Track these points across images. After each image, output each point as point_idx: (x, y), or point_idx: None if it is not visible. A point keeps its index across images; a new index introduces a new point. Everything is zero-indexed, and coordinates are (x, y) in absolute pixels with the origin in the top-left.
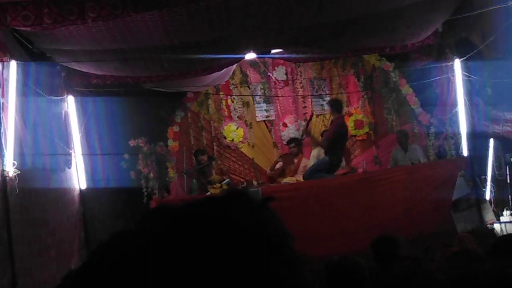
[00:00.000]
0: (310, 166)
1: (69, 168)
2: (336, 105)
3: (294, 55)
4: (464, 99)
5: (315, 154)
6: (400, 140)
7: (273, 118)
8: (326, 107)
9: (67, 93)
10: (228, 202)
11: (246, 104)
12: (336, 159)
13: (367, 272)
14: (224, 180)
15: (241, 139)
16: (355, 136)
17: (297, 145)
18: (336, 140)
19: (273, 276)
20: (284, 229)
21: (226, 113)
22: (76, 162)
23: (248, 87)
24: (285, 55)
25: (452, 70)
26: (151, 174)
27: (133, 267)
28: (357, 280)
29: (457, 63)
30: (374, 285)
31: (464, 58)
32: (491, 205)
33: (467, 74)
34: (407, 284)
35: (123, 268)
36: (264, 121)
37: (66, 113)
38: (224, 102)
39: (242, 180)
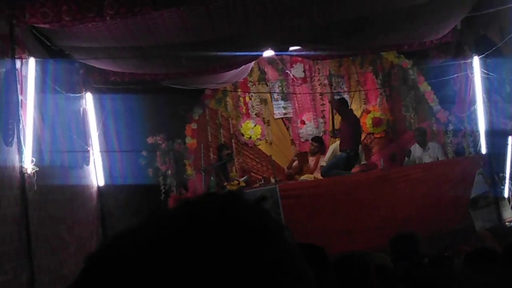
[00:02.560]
0: (327, 162)
1: (87, 165)
2: (342, 104)
3: (312, 52)
4: (483, 97)
5: (331, 151)
6: (417, 138)
7: (291, 115)
8: None
9: (85, 90)
10: (226, 201)
11: (264, 102)
12: (353, 154)
13: (373, 267)
14: (242, 177)
15: (258, 136)
16: (373, 133)
17: (320, 144)
18: (349, 130)
19: (274, 263)
20: (280, 223)
21: (244, 110)
22: (94, 159)
23: (266, 85)
24: (303, 52)
25: (471, 68)
26: (169, 171)
27: (134, 269)
28: (361, 275)
29: (476, 61)
30: (392, 282)
31: (483, 55)
32: (509, 202)
33: (485, 71)
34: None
35: (123, 270)
36: (282, 118)
37: (84, 110)
38: (242, 100)
39: (259, 177)
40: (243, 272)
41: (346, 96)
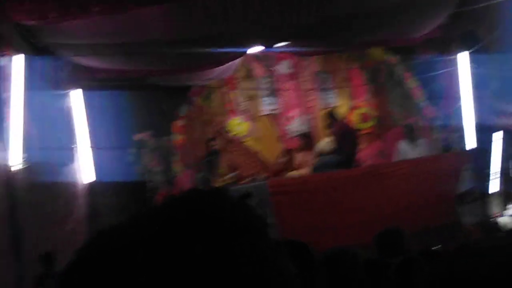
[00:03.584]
0: (318, 162)
1: (75, 162)
2: (334, 117)
3: (298, 49)
4: (470, 92)
5: (318, 149)
6: (406, 134)
7: (278, 112)
8: (331, 101)
9: (71, 87)
10: (209, 197)
11: (250, 98)
12: (347, 159)
13: (361, 263)
14: (230, 173)
15: (245, 133)
16: (360, 129)
17: (307, 140)
18: (343, 141)
19: (255, 259)
20: (264, 219)
21: (230, 107)
22: (81, 156)
23: (253, 81)
24: (289, 49)
25: (458, 63)
26: (156, 168)
27: (115, 267)
28: (350, 270)
29: (463, 56)
30: (376, 278)
31: (470, 51)
32: (496, 198)
33: (472, 67)
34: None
35: (98, 269)
36: (268, 115)
37: (71, 107)
38: (228, 96)
39: (247, 174)
40: (218, 270)
41: (332, 93)
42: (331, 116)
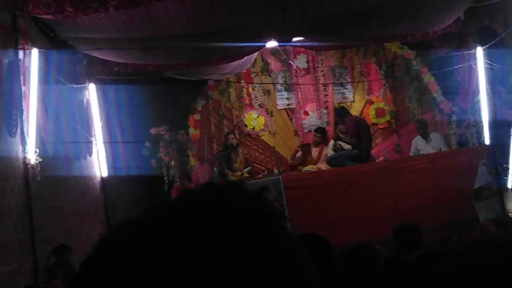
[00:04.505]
0: (335, 154)
1: (90, 156)
2: (341, 114)
3: (315, 43)
4: (486, 87)
5: (331, 145)
6: (419, 130)
7: (294, 106)
8: (347, 95)
9: (88, 81)
10: (227, 191)
11: (267, 92)
12: (364, 153)
13: (382, 257)
14: (246, 168)
15: (262, 127)
16: (376, 124)
17: (323, 135)
18: (359, 136)
19: (274, 253)
20: (281, 213)
21: (247, 101)
22: (97, 150)
23: (269, 75)
24: (306, 43)
25: (474, 58)
26: (172, 162)
27: (135, 263)
28: (372, 265)
29: (479, 51)
30: (393, 273)
31: (487, 46)
32: None
33: (489, 62)
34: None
35: (124, 264)
36: (285, 109)
37: (88, 101)
38: (245, 90)
39: (263, 168)
40: (242, 263)
41: (348, 87)
42: (341, 111)
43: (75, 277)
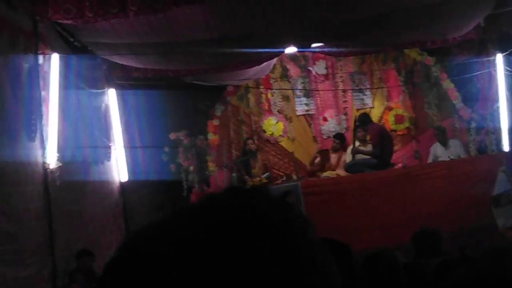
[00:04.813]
0: (353, 160)
1: (109, 160)
2: (362, 121)
3: (334, 49)
4: (506, 94)
5: (350, 151)
6: (438, 137)
7: (313, 112)
8: (366, 101)
9: (108, 86)
10: (251, 195)
11: (286, 98)
12: (384, 162)
13: (401, 263)
14: (264, 174)
15: (281, 133)
16: (395, 130)
17: (342, 141)
18: (381, 145)
19: (299, 257)
20: (305, 217)
21: (266, 107)
22: (116, 155)
23: (288, 81)
24: (325, 49)
25: (494, 65)
26: (191, 167)
27: (160, 267)
28: (391, 271)
29: (499, 58)
30: (412, 279)
31: (506, 52)
32: None
33: (509, 69)
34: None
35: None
36: (304, 115)
37: (107, 106)
38: (264, 96)
39: (281, 174)
40: (266, 269)
41: (367, 93)
42: (364, 118)
43: (97, 281)
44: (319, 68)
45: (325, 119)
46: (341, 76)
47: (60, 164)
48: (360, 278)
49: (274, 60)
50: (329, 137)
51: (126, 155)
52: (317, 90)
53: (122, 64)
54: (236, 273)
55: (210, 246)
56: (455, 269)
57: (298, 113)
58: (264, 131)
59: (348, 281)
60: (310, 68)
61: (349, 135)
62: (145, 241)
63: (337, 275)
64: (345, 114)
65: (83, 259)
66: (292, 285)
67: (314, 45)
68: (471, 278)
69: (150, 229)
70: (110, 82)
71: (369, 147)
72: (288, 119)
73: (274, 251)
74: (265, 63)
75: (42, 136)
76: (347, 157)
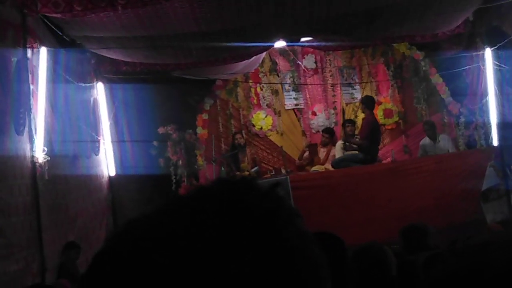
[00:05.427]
0: (340, 157)
1: (98, 155)
2: (368, 103)
3: (323, 43)
4: (495, 89)
5: (340, 145)
6: (427, 131)
7: (302, 106)
8: (356, 96)
9: (96, 80)
10: (239, 187)
11: (275, 92)
12: (370, 157)
13: (393, 258)
14: (253, 168)
15: (269, 127)
16: (384, 125)
17: (331, 135)
18: (371, 138)
19: (287, 248)
20: (294, 209)
21: (255, 101)
22: (105, 149)
23: (277, 75)
24: (314, 43)
25: (483, 59)
26: (180, 162)
27: (143, 261)
28: (383, 265)
29: (488, 52)
30: (403, 274)
31: (495, 47)
32: None
33: (497, 63)
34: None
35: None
36: (293, 109)
37: (96, 100)
38: (253, 90)
39: (270, 168)
40: (254, 260)
41: (357, 87)
42: (369, 100)
43: (86, 272)
44: (308, 62)
45: (314, 113)
46: (330, 70)
47: (49, 158)
48: (351, 272)
49: (263, 54)
50: (318, 131)
51: (114, 149)
52: (306, 84)
53: (111, 58)
54: (224, 264)
55: (198, 237)
56: (443, 263)
57: (287, 107)
58: (253, 125)
59: (340, 275)
60: (299, 62)
61: (338, 130)
62: (133, 233)
63: (326, 268)
64: (334, 108)
65: (70, 252)
66: (279, 275)
67: (303, 39)
68: (455, 271)
69: (138, 221)
70: (98, 76)
71: (358, 141)
72: (277, 113)
73: (262, 242)
74: (254, 57)
75: (30, 130)
76: (336, 151)
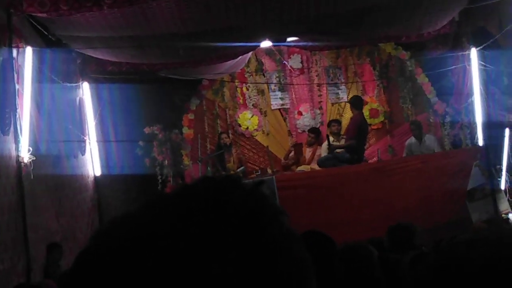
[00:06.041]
0: (326, 155)
1: (83, 154)
2: (356, 102)
3: (309, 43)
4: (480, 89)
5: (326, 146)
6: (413, 131)
7: (288, 106)
8: (341, 96)
9: (82, 80)
10: (223, 185)
11: (261, 92)
12: (356, 157)
13: (376, 257)
14: (239, 168)
15: (255, 127)
16: (370, 125)
17: (317, 135)
18: (358, 138)
19: (270, 246)
20: (279, 207)
21: (241, 101)
22: (90, 148)
23: (263, 75)
24: (300, 43)
25: (469, 59)
26: (166, 162)
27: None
28: (366, 264)
29: (474, 52)
30: (389, 273)
31: (481, 47)
32: (506, 195)
33: (483, 63)
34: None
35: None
36: (279, 109)
37: (81, 100)
38: (239, 90)
39: (256, 168)
40: (238, 258)
41: (342, 87)
42: (356, 100)
43: (69, 271)
44: (294, 62)
45: (300, 113)
46: (316, 70)
47: (34, 158)
48: (339, 271)
49: (249, 54)
50: (304, 131)
51: (100, 149)
52: (292, 84)
53: (96, 58)
54: (208, 263)
55: (181, 236)
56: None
57: (273, 107)
58: (239, 125)
59: (329, 273)
60: (285, 62)
61: (324, 129)
62: (117, 232)
63: (311, 267)
64: (320, 108)
65: (52, 252)
66: (263, 272)
67: (289, 39)
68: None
69: (122, 220)
70: (84, 75)
71: (342, 142)
72: (263, 113)
73: (246, 240)
74: (240, 57)
75: (16, 129)
76: (322, 151)
